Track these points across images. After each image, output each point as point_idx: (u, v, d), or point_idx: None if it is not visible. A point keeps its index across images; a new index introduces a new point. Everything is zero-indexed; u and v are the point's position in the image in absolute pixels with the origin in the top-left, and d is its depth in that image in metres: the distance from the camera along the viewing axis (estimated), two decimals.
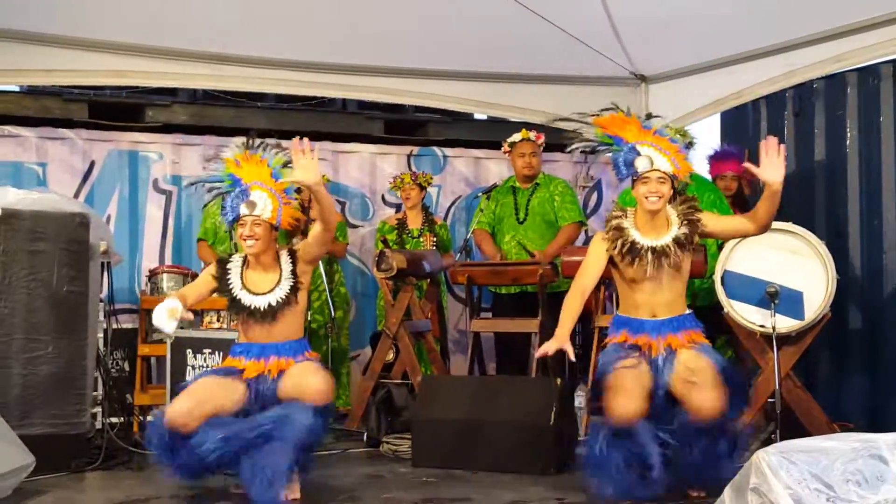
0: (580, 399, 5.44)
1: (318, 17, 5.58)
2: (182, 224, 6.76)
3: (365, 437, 5.35)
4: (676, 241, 3.88)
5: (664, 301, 3.91)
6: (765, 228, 3.93)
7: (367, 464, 4.80)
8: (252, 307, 3.92)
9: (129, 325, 5.85)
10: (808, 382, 5.32)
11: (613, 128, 3.93)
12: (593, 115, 4.01)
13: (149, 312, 5.64)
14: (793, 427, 4.46)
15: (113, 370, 5.28)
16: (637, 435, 3.69)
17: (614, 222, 3.96)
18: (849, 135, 5.79)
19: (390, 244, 6.25)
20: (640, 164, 3.83)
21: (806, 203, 5.99)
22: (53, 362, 4.44)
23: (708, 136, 6.79)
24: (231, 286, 3.97)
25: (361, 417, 5.69)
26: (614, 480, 3.67)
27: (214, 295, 4.09)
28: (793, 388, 4.78)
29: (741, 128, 6.62)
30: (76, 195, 6.36)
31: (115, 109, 6.72)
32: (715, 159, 6.10)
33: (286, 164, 3.97)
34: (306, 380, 3.86)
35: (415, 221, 6.60)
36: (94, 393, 4.85)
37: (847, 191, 5.76)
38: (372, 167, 7.41)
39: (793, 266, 4.63)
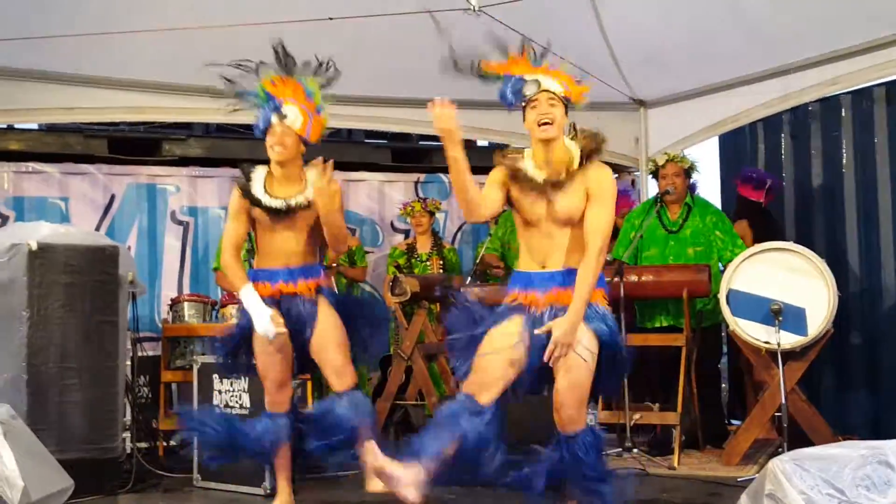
0: (592, 416, 5.60)
1: (324, 52, 5.76)
2: (199, 254, 6.95)
3: None
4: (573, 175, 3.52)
5: (557, 248, 3.52)
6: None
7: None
8: (272, 207, 4.00)
9: (152, 353, 6.01)
10: (813, 396, 5.47)
11: (502, 68, 3.64)
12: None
13: (171, 340, 5.88)
14: (799, 440, 4.60)
15: (139, 397, 5.44)
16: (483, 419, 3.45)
17: (509, 162, 3.60)
18: (845, 155, 5.98)
19: (402, 268, 6.44)
20: (528, 89, 3.53)
21: (805, 222, 6.18)
22: (87, 390, 4.59)
23: (707, 158, 7.00)
24: (254, 191, 4.05)
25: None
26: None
27: None
28: (798, 402, 4.93)
29: (739, 150, 6.82)
30: (97, 227, 6.57)
31: (134, 144, 6.94)
32: (742, 182, 6.21)
33: (322, 87, 4.08)
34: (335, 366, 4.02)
35: (424, 246, 6.78)
36: (123, 418, 4.99)
37: (844, 210, 5.94)
38: (380, 195, 7.61)
39: (795, 284, 4.78)
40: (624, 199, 6.77)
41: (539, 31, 5.55)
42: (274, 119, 4.00)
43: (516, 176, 3.56)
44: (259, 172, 4.12)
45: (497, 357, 3.49)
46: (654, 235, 5.68)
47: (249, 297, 3.96)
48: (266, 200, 4.03)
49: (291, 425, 4.10)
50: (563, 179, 3.50)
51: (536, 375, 3.54)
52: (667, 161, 5.70)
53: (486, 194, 3.60)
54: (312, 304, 4.05)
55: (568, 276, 3.48)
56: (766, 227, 5.80)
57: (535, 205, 3.53)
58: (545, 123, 3.48)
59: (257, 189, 4.07)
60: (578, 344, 3.40)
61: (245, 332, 4.04)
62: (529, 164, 3.56)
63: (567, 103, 3.54)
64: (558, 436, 3.54)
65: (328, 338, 4.06)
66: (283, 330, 3.94)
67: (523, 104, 3.54)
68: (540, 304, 3.49)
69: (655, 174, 5.81)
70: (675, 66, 6.20)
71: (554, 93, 3.51)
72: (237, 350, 4.12)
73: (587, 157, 3.53)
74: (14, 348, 4.48)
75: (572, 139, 3.58)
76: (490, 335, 3.53)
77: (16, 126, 6.68)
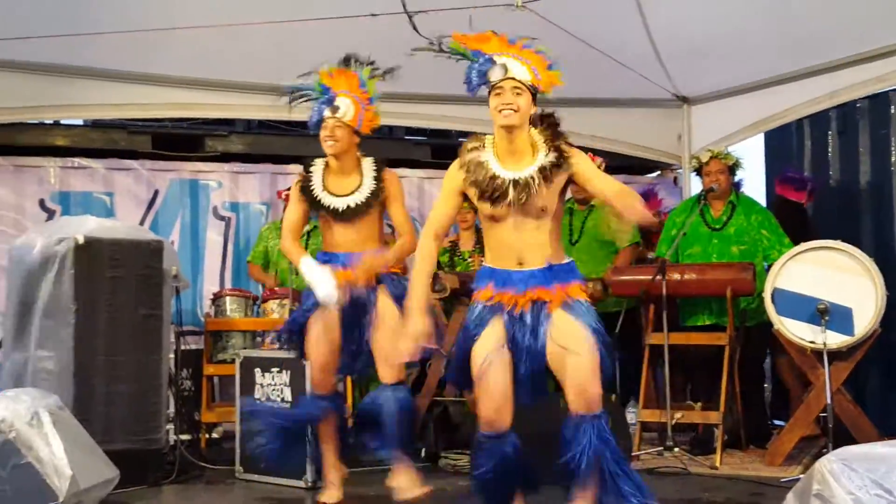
0: (632, 415, 5.57)
1: (364, 48, 5.79)
2: (240, 249, 6.99)
3: (423, 453, 5.50)
4: (541, 171, 3.34)
5: (531, 242, 3.36)
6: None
7: (429, 478, 4.91)
8: (331, 207, 4.15)
9: (194, 346, 6.07)
10: (858, 396, 5.40)
11: (474, 43, 3.45)
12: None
13: (213, 334, 5.93)
14: (843, 441, 4.53)
15: (182, 389, 5.51)
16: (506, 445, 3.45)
17: (472, 156, 3.41)
18: (893, 152, 5.88)
19: (443, 266, 6.44)
20: (494, 74, 3.32)
21: (852, 220, 6.08)
22: (132, 381, 4.67)
23: (752, 156, 6.90)
24: (313, 188, 4.19)
25: (416, 433, 5.85)
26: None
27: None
28: (844, 403, 4.87)
29: (785, 147, 6.73)
30: (141, 222, 6.63)
31: (177, 140, 7.01)
32: (782, 182, 6.17)
33: (373, 76, 4.19)
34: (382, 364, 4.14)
35: (467, 243, 6.76)
36: (167, 411, 5.05)
37: (893, 208, 5.83)
38: (420, 191, 7.60)
39: (842, 283, 4.73)
40: (652, 198, 6.71)
41: (583, 28, 5.57)
42: (326, 112, 4.09)
43: (477, 173, 3.38)
44: (318, 166, 4.24)
45: (495, 371, 3.34)
46: (696, 233, 5.62)
47: (308, 266, 4.08)
48: (326, 200, 4.16)
49: (335, 410, 4.19)
50: (531, 177, 3.32)
51: (539, 379, 3.43)
52: (710, 158, 5.64)
53: (441, 212, 3.55)
54: (370, 292, 4.12)
55: (549, 273, 3.35)
56: (800, 229, 5.71)
57: (499, 202, 3.36)
58: (508, 110, 3.29)
59: (316, 186, 4.18)
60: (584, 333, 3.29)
61: (307, 315, 4.16)
62: (491, 157, 3.38)
63: (535, 92, 3.37)
64: (581, 419, 3.32)
65: (383, 327, 4.12)
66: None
67: (488, 89, 3.35)
68: (520, 303, 3.34)
69: (699, 171, 5.74)
70: (720, 63, 6.15)
71: (520, 81, 3.33)
72: (300, 331, 4.21)
73: (555, 146, 3.35)
74: (62, 340, 4.56)
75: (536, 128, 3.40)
76: (476, 350, 3.37)
77: (61, 122, 6.78)
